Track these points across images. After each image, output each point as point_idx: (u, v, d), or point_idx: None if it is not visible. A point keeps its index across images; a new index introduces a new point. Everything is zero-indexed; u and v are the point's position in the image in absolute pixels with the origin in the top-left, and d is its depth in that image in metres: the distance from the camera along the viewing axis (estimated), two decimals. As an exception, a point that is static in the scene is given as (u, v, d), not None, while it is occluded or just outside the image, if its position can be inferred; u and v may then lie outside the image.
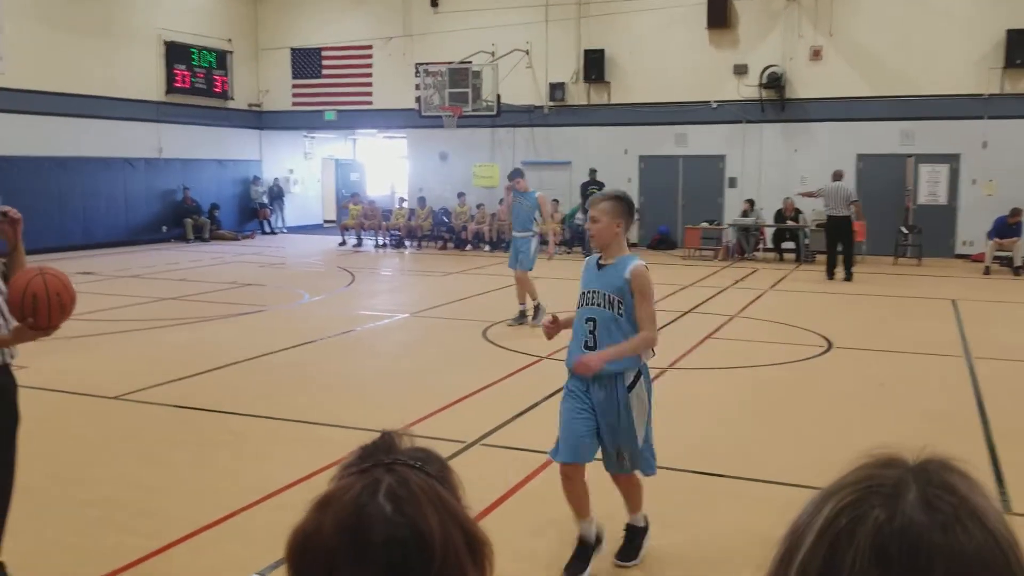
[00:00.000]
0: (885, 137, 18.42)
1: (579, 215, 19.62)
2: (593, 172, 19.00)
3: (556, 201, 20.24)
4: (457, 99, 20.15)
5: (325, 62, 23.38)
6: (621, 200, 4.05)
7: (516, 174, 10.62)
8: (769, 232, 18.47)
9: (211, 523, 4.49)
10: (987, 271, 15.67)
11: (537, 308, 10.10)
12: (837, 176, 15.09)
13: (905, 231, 17.69)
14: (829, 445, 5.91)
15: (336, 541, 0.98)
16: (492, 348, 9.09)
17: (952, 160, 18.08)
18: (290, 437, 6.08)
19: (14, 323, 3.40)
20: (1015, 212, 15.97)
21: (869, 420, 6.54)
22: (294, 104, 23.93)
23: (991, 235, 16.06)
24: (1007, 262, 15.95)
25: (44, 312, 3.23)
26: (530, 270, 10.26)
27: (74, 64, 18.79)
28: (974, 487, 0.80)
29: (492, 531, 3.87)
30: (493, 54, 20.96)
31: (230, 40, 22.98)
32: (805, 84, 19.03)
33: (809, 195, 15.55)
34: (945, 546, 0.72)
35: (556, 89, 20.93)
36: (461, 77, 20.23)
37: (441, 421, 6.43)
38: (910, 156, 18.28)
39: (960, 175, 18.07)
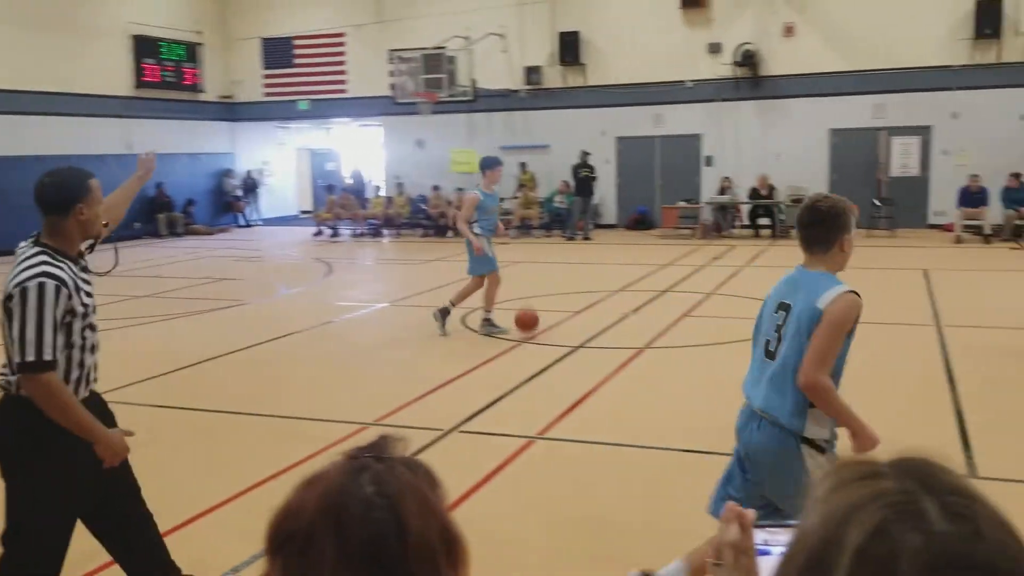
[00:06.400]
0: (858, 111, 18.50)
1: (558, 198, 19.65)
2: (585, 155, 18.98)
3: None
4: (432, 85, 20.02)
5: (297, 51, 23.21)
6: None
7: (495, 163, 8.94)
8: (745, 209, 18.56)
9: (191, 518, 4.51)
10: (958, 240, 15.91)
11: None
12: None
13: (878, 203, 17.84)
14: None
15: (316, 515, 1.01)
16: (471, 335, 9.12)
17: (924, 132, 18.20)
18: (268, 432, 6.10)
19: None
20: (972, 178, 16.49)
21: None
22: (266, 95, 23.76)
23: (958, 204, 16.43)
24: (977, 230, 16.18)
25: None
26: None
27: (39, 61, 18.54)
28: (962, 478, 0.82)
29: (470, 516, 3.97)
30: (468, 39, 20.86)
31: (200, 32, 22.76)
32: (779, 61, 19.07)
33: None
34: (980, 553, 0.75)
35: (532, 72, 20.87)
36: (435, 63, 20.11)
37: (419, 410, 6.46)
38: (882, 129, 18.39)
39: (931, 146, 18.21)
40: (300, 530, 1.01)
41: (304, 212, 25.97)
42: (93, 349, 3.12)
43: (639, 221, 20.00)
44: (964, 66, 17.67)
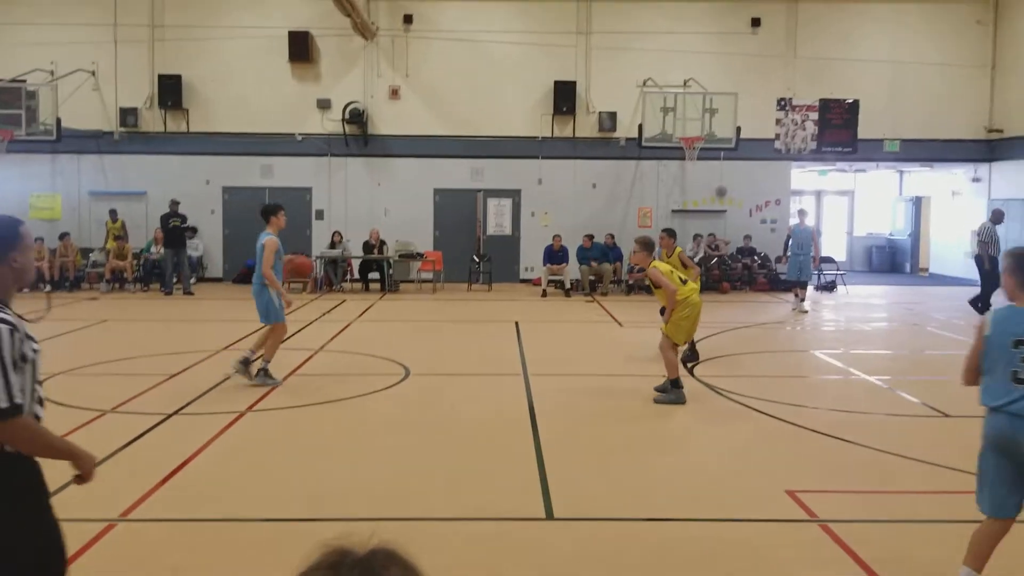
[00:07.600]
0: (458, 173, 19.91)
1: (155, 248, 18.39)
2: (175, 204, 17.92)
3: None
4: (7, 121, 18.02)
5: None
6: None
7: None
8: (356, 263, 18.92)
9: None
10: (544, 294, 17.71)
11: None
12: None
13: (477, 259, 19.26)
14: (400, 473, 6.15)
15: None
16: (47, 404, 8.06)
17: (515, 195, 20.12)
18: None
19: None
20: (556, 238, 18.55)
21: (436, 443, 6.91)
22: None
23: (544, 262, 18.25)
24: (560, 285, 18.15)
25: None
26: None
27: None
28: (406, 571, 0.93)
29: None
30: (52, 73, 18.95)
31: None
32: (386, 121, 19.88)
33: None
34: None
35: (128, 114, 19.49)
36: (12, 97, 18.18)
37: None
38: (480, 191, 19.97)
39: (521, 208, 20.16)
40: None
41: None
42: (41, 402, 2.97)
43: (248, 275, 19.38)
44: (546, 138, 19.88)
